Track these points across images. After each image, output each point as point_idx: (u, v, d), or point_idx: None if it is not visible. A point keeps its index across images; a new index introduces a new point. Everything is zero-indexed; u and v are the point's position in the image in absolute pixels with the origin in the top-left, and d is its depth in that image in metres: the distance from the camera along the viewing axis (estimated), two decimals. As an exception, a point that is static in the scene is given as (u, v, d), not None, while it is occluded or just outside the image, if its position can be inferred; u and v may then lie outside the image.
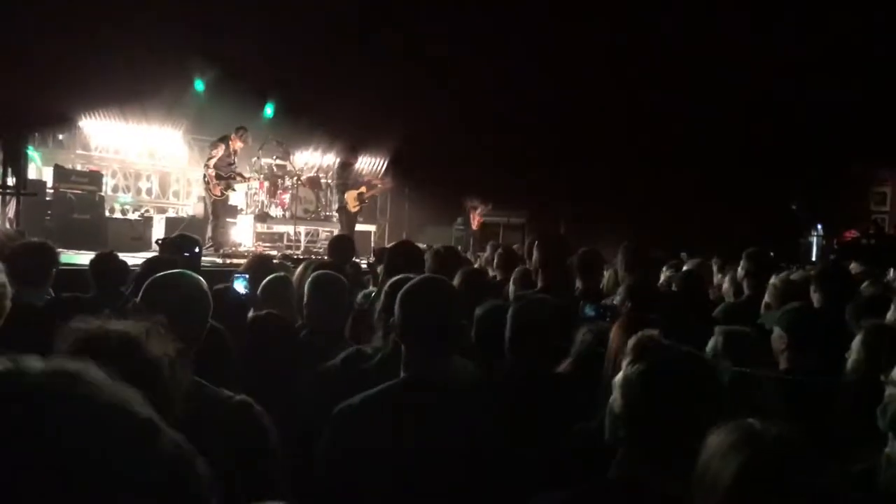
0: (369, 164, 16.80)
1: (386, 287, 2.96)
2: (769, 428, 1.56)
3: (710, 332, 3.71)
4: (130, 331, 1.66)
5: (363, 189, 12.01)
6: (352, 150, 12.57)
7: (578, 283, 5.04)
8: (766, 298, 4.67)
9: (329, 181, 14.34)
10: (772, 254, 8.02)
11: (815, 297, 4.50)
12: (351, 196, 11.74)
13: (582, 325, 3.36)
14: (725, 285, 5.82)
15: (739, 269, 5.42)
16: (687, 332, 3.59)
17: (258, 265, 5.06)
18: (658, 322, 2.54)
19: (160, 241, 6.33)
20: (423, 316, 2.23)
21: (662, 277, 6.22)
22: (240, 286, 4.16)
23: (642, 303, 3.74)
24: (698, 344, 3.25)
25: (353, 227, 11.98)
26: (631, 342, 1.88)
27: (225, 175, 10.79)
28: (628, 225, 14.60)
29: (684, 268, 6.31)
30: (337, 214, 12.13)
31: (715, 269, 6.69)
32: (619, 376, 1.85)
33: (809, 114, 14.90)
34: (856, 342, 2.96)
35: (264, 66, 13.69)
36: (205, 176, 10.83)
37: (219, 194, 10.72)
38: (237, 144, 10.95)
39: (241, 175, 11.17)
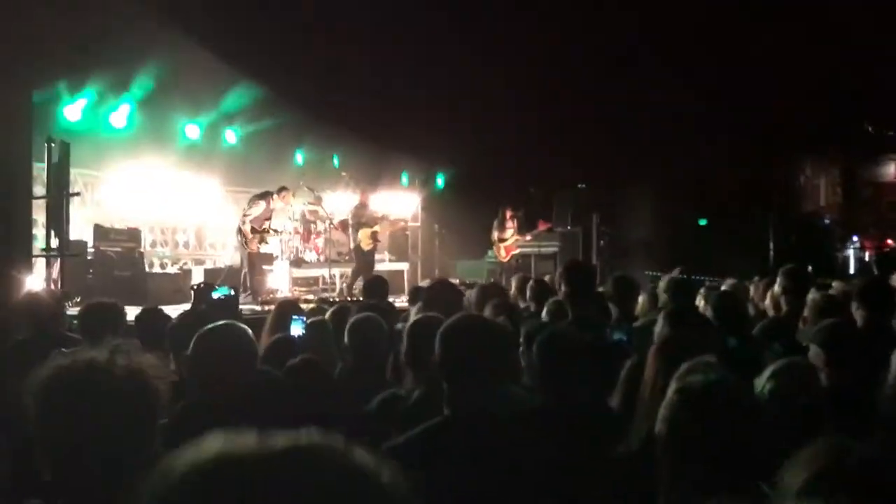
0: (396, 202, 16.99)
1: (408, 328, 3.02)
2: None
3: (752, 353, 3.73)
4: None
5: (376, 227, 12.16)
6: (365, 189, 12.70)
7: (614, 310, 5.07)
8: (805, 314, 4.66)
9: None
10: (809, 268, 7.97)
11: (859, 314, 4.47)
12: (365, 234, 11.89)
13: (629, 355, 3.38)
14: (767, 302, 5.80)
15: (776, 286, 5.41)
16: (727, 354, 3.62)
17: (286, 310, 5.13)
18: (697, 346, 2.57)
19: (194, 287, 6.51)
20: (462, 352, 2.28)
21: (700, 300, 6.21)
22: (297, 328, 4.31)
23: (681, 327, 3.74)
24: (741, 364, 3.27)
25: (371, 265, 12.11)
26: (679, 372, 1.91)
27: (259, 229, 11.04)
28: (662, 244, 14.60)
29: (722, 288, 6.30)
30: (354, 253, 12.24)
31: (752, 288, 6.67)
32: (664, 403, 1.88)
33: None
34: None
35: (293, 116, 14.06)
36: (240, 230, 11.07)
37: (254, 249, 10.97)
38: (277, 204, 11.19)
39: (275, 230, 11.39)
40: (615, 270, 13.09)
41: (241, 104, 13.82)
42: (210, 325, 2.40)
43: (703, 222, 16.69)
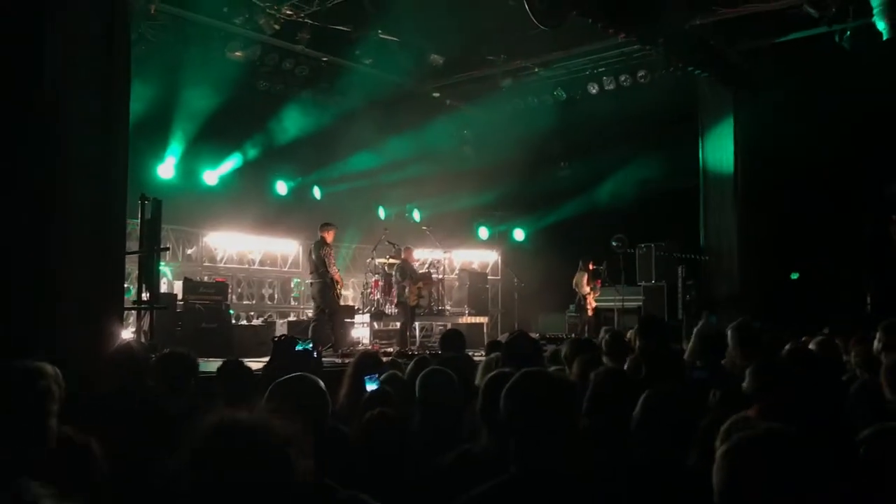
0: (474, 256, 17.04)
1: (483, 384, 2.99)
2: None
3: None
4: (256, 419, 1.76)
5: (420, 284, 12.35)
6: (409, 247, 12.85)
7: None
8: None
9: (440, 276, 14.65)
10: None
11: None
12: (412, 291, 12.05)
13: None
14: (857, 358, 5.51)
15: (876, 341, 5.14)
16: (819, 416, 3.43)
17: (368, 361, 5.14)
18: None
19: (275, 339, 6.61)
20: (526, 408, 2.25)
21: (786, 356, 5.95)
22: (371, 387, 4.35)
23: (768, 387, 3.57)
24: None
25: (413, 318, 12.50)
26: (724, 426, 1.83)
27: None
28: (752, 298, 14.13)
29: (810, 346, 6.02)
30: (397, 308, 12.47)
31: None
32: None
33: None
34: None
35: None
36: (329, 278, 11.14)
37: (342, 285, 11.28)
38: (330, 237, 11.38)
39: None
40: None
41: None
42: (284, 378, 2.43)
43: (794, 276, 16.08)
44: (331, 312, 11.17)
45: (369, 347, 11.26)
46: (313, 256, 11.32)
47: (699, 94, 14.60)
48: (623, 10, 11.41)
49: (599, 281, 14.08)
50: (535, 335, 13.12)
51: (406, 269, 12.23)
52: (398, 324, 13.72)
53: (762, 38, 12.67)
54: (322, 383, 2.50)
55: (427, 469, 3.05)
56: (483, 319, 14.37)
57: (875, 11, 9.83)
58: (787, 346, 5.42)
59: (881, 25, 9.89)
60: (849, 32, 10.31)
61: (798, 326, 9.09)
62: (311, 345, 6.27)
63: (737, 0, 11.64)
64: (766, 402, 2.99)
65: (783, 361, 4.59)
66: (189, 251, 13.44)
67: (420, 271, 13.84)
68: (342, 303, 11.87)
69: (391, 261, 13.25)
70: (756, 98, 14.22)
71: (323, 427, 2.41)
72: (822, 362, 4.82)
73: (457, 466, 2.92)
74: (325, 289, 11.15)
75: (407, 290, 12.02)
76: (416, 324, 13.88)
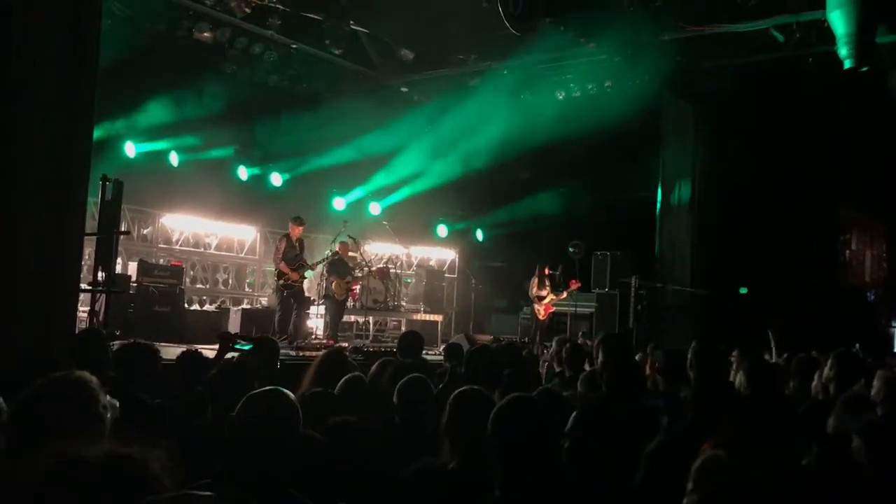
0: (433, 253, 17.09)
1: (451, 400, 3.04)
2: None
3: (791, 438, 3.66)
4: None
5: (349, 279, 12.24)
6: (349, 242, 12.66)
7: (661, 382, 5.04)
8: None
9: (398, 271, 14.67)
10: (860, 353, 7.79)
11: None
12: (339, 285, 11.97)
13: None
14: (815, 382, 5.67)
15: (827, 369, 5.28)
16: (763, 441, 3.55)
17: (333, 361, 5.10)
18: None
19: (219, 335, 6.42)
20: (515, 437, 2.32)
21: (736, 378, 6.12)
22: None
23: (710, 411, 3.68)
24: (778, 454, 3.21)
25: (342, 313, 12.32)
26: (695, 465, 1.90)
27: (294, 266, 11.23)
28: (702, 311, 14.45)
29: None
30: (325, 301, 12.29)
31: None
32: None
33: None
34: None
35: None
36: (277, 270, 11.31)
37: (297, 278, 11.16)
38: (295, 232, 11.37)
39: (307, 263, 11.51)
40: (651, 336, 12.99)
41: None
42: (256, 392, 2.45)
43: (743, 290, 16.48)
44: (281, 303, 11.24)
45: (325, 342, 11.21)
46: None
47: (662, 107, 14.84)
48: (593, 21, 11.57)
49: (552, 284, 14.12)
50: (488, 337, 13.29)
51: (335, 264, 12.15)
52: (353, 317, 13.76)
53: (726, 58, 12.93)
54: (292, 396, 2.52)
55: (385, 483, 3.08)
56: (438, 317, 14.43)
57: (838, 41, 10.09)
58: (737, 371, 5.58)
59: (843, 54, 10.15)
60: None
61: (744, 341, 9.33)
62: (249, 346, 6.10)
63: (704, 19, 11.87)
64: (717, 435, 3.09)
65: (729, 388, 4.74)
66: (145, 231, 13.24)
67: (378, 266, 13.85)
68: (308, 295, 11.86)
69: (350, 253, 13.20)
70: (717, 115, 14.51)
71: (293, 440, 2.43)
72: (767, 387, 4.96)
73: (417, 481, 2.96)
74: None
75: (334, 284, 11.98)
76: (371, 318, 13.92)
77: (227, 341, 5.94)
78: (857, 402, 4.15)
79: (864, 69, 10.16)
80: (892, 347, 14.84)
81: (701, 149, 14.74)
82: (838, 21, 9.97)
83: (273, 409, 2.39)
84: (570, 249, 14.89)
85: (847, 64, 10.14)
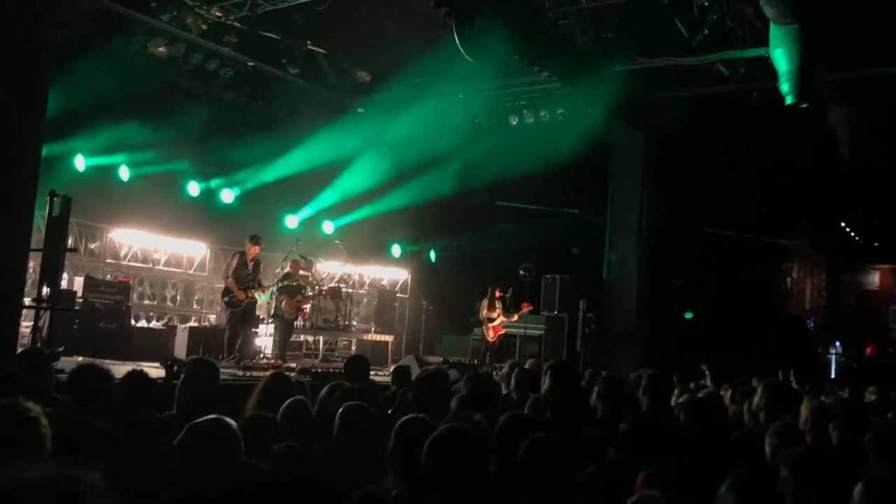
0: (385, 273, 17.12)
1: (396, 429, 3.11)
2: None
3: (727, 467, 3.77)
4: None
5: (299, 298, 12.21)
6: (300, 261, 12.66)
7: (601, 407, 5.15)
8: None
9: (350, 290, 14.66)
10: (792, 381, 8.03)
11: (834, 434, 4.53)
12: (289, 304, 11.98)
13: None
14: (744, 409, 5.83)
15: (757, 397, 5.44)
16: (698, 473, 3.65)
17: (277, 385, 5.10)
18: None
19: (168, 363, 6.39)
20: (449, 463, 2.40)
21: (676, 401, 6.27)
22: None
23: (646, 445, 3.76)
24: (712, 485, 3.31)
25: (290, 332, 12.29)
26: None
27: (243, 285, 11.15)
28: (646, 336, 14.70)
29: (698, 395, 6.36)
30: (274, 320, 12.21)
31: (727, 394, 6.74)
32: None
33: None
34: (856, 492, 2.95)
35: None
36: (226, 287, 11.23)
37: (243, 297, 11.06)
38: (251, 251, 11.32)
39: (260, 283, 11.43)
40: (598, 359, 13.19)
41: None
42: (196, 422, 2.48)
43: (688, 315, 16.85)
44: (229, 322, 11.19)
45: (274, 362, 11.13)
46: None
47: (613, 136, 15.14)
48: (546, 51, 11.82)
49: (503, 307, 14.27)
50: (438, 359, 13.34)
51: (288, 282, 12.14)
52: (303, 336, 13.71)
53: (676, 90, 13.29)
54: (234, 425, 2.56)
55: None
56: (388, 338, 14.42)
57: (780, 77, 10.44)
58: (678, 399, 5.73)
59: (785, 90, 10.51)
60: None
61: (685, 367, 9.55)
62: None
63: (654, 52, 12.20)
64: (653, 469, 3.20)
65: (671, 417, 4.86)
66: (92, 245, 13.02)
67: (329, 285, 13.82)
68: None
69: (301, 272, 13.15)
70: (666, 145, 14.87)
71: (235, 469, 2.47)
72: (708, 416, 5.11)
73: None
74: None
75: (284, 303, 11.95)
76: (321, 338, 13.86)
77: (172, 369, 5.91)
78: (786, 433, 4.30)
79: (805, 105, 10.53)
80: (830, 373, 15.28)
81: (650, 178, 15.05)
82: (781, 59, 10.32)
83: (212, 439, 2.43)
84: (521, 272, 15.08)
85: (789, 100, 10.49)
